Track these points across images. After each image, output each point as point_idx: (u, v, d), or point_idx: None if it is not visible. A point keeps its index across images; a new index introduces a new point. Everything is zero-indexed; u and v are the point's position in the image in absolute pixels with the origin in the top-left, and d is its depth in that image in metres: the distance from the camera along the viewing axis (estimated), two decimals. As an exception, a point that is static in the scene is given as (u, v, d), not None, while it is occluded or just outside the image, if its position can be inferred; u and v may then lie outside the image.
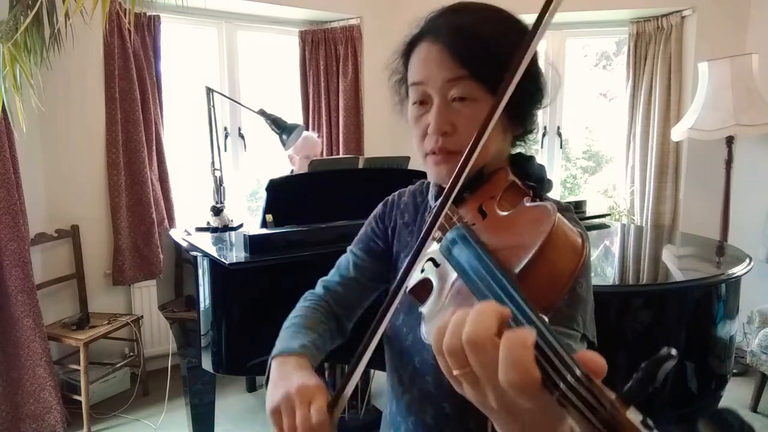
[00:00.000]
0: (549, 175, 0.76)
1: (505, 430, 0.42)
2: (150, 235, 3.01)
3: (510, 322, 0.40)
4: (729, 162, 3.13)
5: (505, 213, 0.59)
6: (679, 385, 1.60)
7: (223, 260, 1.65)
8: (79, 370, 2.53)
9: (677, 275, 1.91)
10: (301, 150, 2.78)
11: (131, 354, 3.00)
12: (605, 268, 1.99)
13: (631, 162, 3.64)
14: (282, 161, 3.09)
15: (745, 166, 3.22)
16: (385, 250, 0.89)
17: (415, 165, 2.44)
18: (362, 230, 0.94)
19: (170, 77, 3.19)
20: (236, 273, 1.67)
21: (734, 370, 2.94)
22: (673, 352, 0.32)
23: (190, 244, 1.88)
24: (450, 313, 0.42)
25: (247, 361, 1.77)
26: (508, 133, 0.75)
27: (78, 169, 2.87)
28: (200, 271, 1.73)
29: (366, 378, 2.65)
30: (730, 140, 3.09)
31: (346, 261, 0.93)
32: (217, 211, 2.37)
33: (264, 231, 1.90)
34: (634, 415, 0.32)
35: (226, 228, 2.36)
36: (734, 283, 1.71)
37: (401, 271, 0.59)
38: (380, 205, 0.94)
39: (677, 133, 3.21)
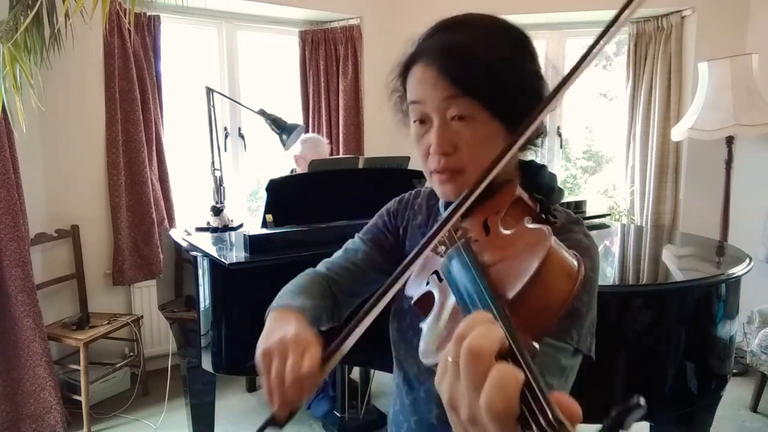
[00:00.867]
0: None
1: None
2: (150, 235, 3.01)
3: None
4: (729, 162, 3.13)
5: (507, 231, 0.60)
6: (679, 385, 1.59)
7: (223, 260, 1.65)
8: (79, 370, 2.53)
9: (677, 275, 1.91)
10: (308, 153, 2.78)
11: (131, 354, 3.00)
12: (605, 268, 1.99)
13: (631, 162, 3.64)
14: (282, 161, 3.09)
15: (745, 166, 3.22)
16: (393, 246, 0.89)
17: (415, 165, 2.44)
18: (373, 220, 0.93)
19: (170, 77, 3.19)
20: (236, 273, 1.68)
21: (734, 370, 2.94)
22: (642, 401, 0.33)
23: (190, 244, 1.88)
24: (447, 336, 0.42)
25: (247, 361, 1.76)
26: None
27: (78, 169, 2.87)
28: (200, 271, 1.73)
29: (366, 378, 2.65)
30: (730, 140, 3.09)
31: (354, 247, 0.92)
32: (217, 211, 2.37)
33: (264, 231, 1.90)
34: None
35: (226, 228, 2.35)
36: (734, 283, 1.71)
37: (402, 266, 0.59)
38: (395, 201, 0.94)
39: (677, 133, 3.21)
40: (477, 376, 0.38)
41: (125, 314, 2.93)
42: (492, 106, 0.68)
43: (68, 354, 2.77)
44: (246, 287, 1.71)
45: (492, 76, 0.66)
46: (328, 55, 3.63)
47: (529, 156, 0.79)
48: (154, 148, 3.05)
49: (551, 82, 0.74)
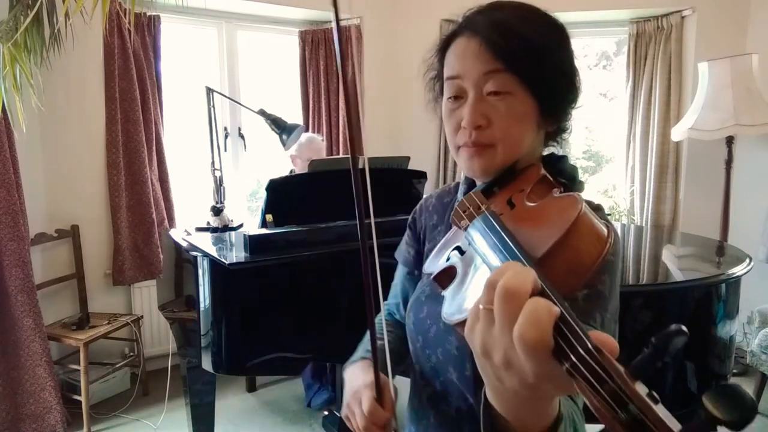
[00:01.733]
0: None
1: (493, 391, 0.44)
2: (150, 235, 3.01)
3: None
4: (729, 162, 3.13)
5: (533, 204, 0.60)
6: (679, 385, 1.59)
7: (223, 260, 1.65)
8: (79, 370, 2.53)
9: (677, 275, 1.91)
10: (304, 152, 2.78)
11: (131, 354, 3.00)
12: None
13: (631, 162, 3.64)
14: (282, 161, 3.09)
15: (745, 166, 3.22)
16: (419, 251, 0.93)
17: (415, 165, 2.44)
18: (400, 245, 0.98)
19: (170, 77, 3.19)
20: (236, 273, 1.68)
21: (734, 370, 2.95)
22: (684, 328, 0.33)
23: (190, 244, 1.88)
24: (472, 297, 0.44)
25: (247, 361, 1.77)
26: (541, 130, 0.75)
27: (78, 169, 2.87)
28: (200, 271, 1.73)
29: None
30: (730, 140, 3.09)
31: (396, 282, 1.00)
32: (217, 211, 2.37)
33: (264, 231, 1.90)
34: (641, 388, 0.33)
35: (226, 228, 2.36)
36: (734, 283, 1.71)
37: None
38: (411, 215, 0.97)
39: (677, 133, 3.21)
40: (512, 313, 0.38)
41: (125, 314, 2.93)
42: (530, 83, 0.69)
43: (68, 354, 2.77)
44: (246, 287, 1.71)
45: (534, 54, 0.68)
46: (328, 55, 3.63)
47: (548, 150, 0.80)
48: (154, 148, 3.05)
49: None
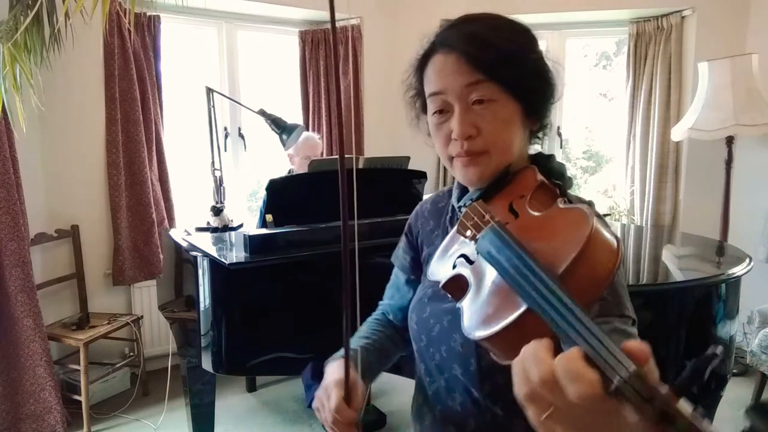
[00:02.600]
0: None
1: None
2: (150, 235, 3.01)
3: (555, 331, 0.44)
4: (729, 162, 3.13)
5: (538, 214, 0.62)
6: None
7: (223, 260, 1.65)
8: (79, 370, 2.53)
9: (677, 275, 1.91)
10: (301, 150, 2.78)
11: (131, 354, 3.00)
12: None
13: (631, 162, 3.64)
14: (282, 161, 3.09)
15: (745, 166, 3.22)
16: (415, 258, 0.94)
17: (415, 165, 2.44)
18: (397, 249, 1.00)
19: (170, 77, 3.19)
20: (236, 273, 1.68)
21: (734, 370, 2.94)
22: (719, 351, 0.36)
23: (190, 244, 1.88)
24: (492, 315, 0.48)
25: (247, 361, 1.77)
26: (526, 130, 0.78)
27: (78, 169, 2.87)
28: (200, 271, 1.73)
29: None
30: (730, 140, 3.09)
31: (390, 284, 1.01)
32: (217, 211, 2.37)
33: (264, 231, 1.90)
34: (685, 406, 0.36)
35: (226, 228, 2.36)
36: (734, 283, 1.71)
37: None
38: (408, 220, 0.99)
39: (677, 133, 3.21)
40: (559, 392, 0.41)
41: (125, 314, 2.93)
42: (511, 88, 0.72)
43: (68, 354, 2.77)
44: (246, 287, 1.71)
45: (511, 61, 0.71)
46: (328, 55, 3.63)
47: (533, 149, 0.83)
48: (154, 148, 3.05)
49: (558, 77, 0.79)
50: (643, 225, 3.53)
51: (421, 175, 2.32)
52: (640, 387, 0.36)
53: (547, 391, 0.42)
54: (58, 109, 2.75)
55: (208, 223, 2.38)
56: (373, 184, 2.19)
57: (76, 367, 2.57)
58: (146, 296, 3.08)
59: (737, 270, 1.71)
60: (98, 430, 2.61)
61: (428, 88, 0.77)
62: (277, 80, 3.85)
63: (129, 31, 2.84)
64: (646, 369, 0.38)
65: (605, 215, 2.80)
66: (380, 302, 1.03)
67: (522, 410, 0.45)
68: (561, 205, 0.60)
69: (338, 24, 3.63)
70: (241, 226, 2.44)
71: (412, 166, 2.44)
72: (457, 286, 0.62)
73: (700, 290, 1.63)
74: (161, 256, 3.00)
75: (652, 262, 2.14)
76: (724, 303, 1.67)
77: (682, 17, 3.40)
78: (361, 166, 2.43)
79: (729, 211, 3.15)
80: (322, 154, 3.17)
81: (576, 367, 0.40)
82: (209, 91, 2.39)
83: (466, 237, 0.64)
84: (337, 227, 1.92)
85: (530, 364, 0.43)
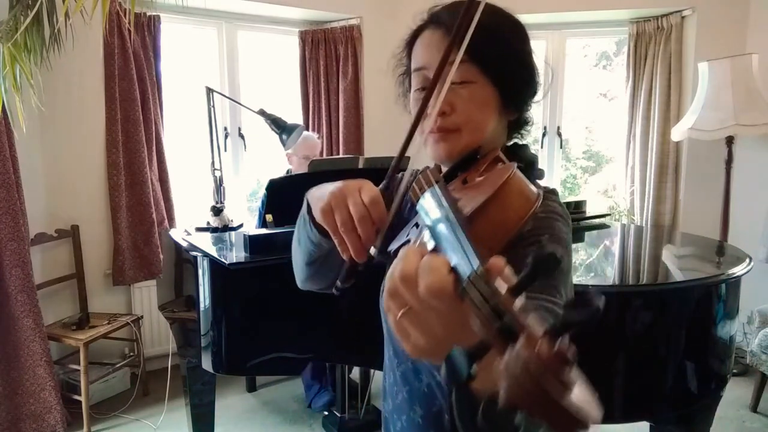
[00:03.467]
0: (550, 177, 0.78)
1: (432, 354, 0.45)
2: (150, 235, 3.01)
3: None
4: (729, 162, 3.13)
5: (481, 178, 0.65)
6: (679, 385, 1.59)
7: (223, 260, 1.65)
8: (79, 370, 2.53)
9: (677, 275, 1.91)
10: (300, 150, 2.78)
11: (131, 354, 3.00)
12: (605, 268, 1.99)
13: (631, 162, 3.64)
14: (282, 161, 3.09)
15: (745, 166, 3.22)
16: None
17: (414, 165, 2.44)
18: None
19: (170, 77, 3.19)
20: (236, 273, 1.68)
21: (734, 370, 2.94)
22: (557, 254, 0.36)
23: (190, 244, 1.88)
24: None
25: (247, 361, 1.77)
26: (502, 118, 0.79)
27: (78, 169, 2.87)
28: (200, 271, 1.73)
29: (366, 378, 2.65)
30: (730, 140, 3.09)
31: None
32: (217, 211, 2.38)
33: (264, 231, 1.90)
34: (519, 302, 0.36)
35: (226, 228, 2.36)
36: (734, 283, 1.71)
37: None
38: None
39: (677, 133, 3.21)
40: (415, 290, 0.42)
41: (125, 314, 2.93)
42: (491, 72, 0.73)
43: (68, 354, 2.77)
44: (246, 287, 1.71)
45: (495, 44, 0.72)
46: (328, 55, 3.63)
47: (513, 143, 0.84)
48: (154, 148, 3.05)
49: (545, 77, 0.81)
50: (643, 225, 3.53)
51: (421, 175, 2.32)
52: (482, 287, 0.37)
53: (404, 286, 0.43)
54: (58, 109, 2.75)
55: (208, 223, 2.38)
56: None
57: (76, 367, 2.57)
58: (146, 296, 3.08)
59: (737, 270, 1.71)
60: (98, 430, 2.62)
61: (413, 63, 0.78)
62: (277, 80, 3.85)
63: (129, 31, 2.84)
64: (500, 278, 0.38)
65: (605, 215, 2.81)
66: None
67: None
68: (499, 166, 0.64)
69: (338, 24, 3.64)
70: (241, 226, 2.45)
71: (411, 166, 2.44)
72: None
73: (700, 290, 1.63)
74: (161, 256, 3.00)
75: (652, 262, 2.14)
76: (724, 303, 1.67)
77: (682, 17, 3.41)
78: (361, 166, 2.43)
79: (729, 211, 3.15)
80: (321, 153, 3.17)
81: (433, 262, 0.41)
82: (209, 91, 2.39)
83: (416, 202, 0.66)
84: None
85: (398, 261, 0.44)
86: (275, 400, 2.94)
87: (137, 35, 2.93)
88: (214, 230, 2.32)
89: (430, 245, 0.50)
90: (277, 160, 3.53)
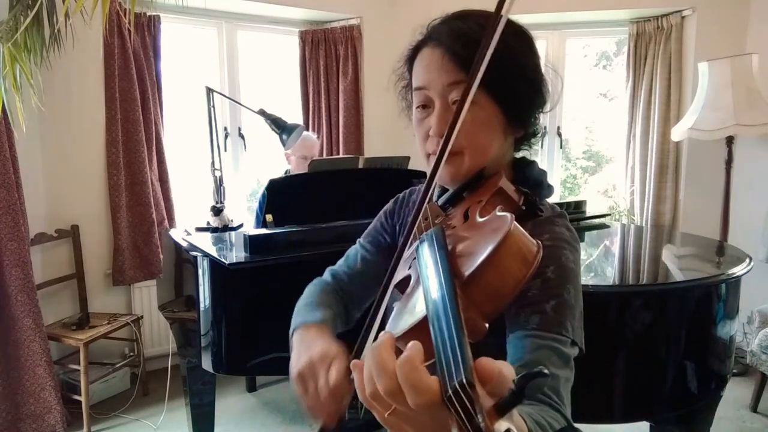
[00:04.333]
0: (550, 177, 0.77)
1: None
2: (150, 235, 3.01)
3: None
4: (729, 162, 3.13)
5: (482, 219, 0.62)
6: (679, 385, 1.59)
7: (223, 260, 1.65)
8: (79, 370, 2.53)
9: (677, 275, 1.91)
10: (298, 150, 2.78)
11: (131, 354, 3.00)
12: (605, 268, 1.99)
13: (631, 162, 3.64)
14: (282, 161, 3.09)
15: (745, 166, 3.22)
16: (391, 245, 0.91)
17: (415, 165, 2.44)
18: (372, 224, 0.96)
19: (170, 77, 3.19)
20: (236, 273, 1.67)
21: (734, 370, 2.94)
22: (546, 371, 0.34)
23: (190, 244, 1.88)
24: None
25: (247, 361, 1.77)
26: (508, 136, 0.76)
27: (78, 169, 2.87)
28: (200, 271, 1.73)
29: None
30: (730, 140, 3.09)
31: (354, 253, 0.95)
32: (217, 211, 2.37)
33: (264, 231, 1.90)
34: (500, 426, 0.34)
35: (226, 228, 2.36)
36: (734, 283, 1.71)
37: (395, 256, 0.62)
38: (391, 202, 0.96)
39: (677, 133, 3.21)
40: (402, 399, 0.39)
41: (125, 314, 2.93)
42: (494, 92, 0.70)
43: (68, 354, 2.77)
44: (246, 287, 1.71)
45: (496, 62, 0.66)
46: (328, 55, 3.63)
47: (521, 154, 0.82)
48: (154, 148, 3.05)
49: (553, 86, 0.77)
50: (643, 225, 3.53)
51: (421, 175, 2.32)
52: (466, 404, 0.35)
53: (390, 399, 0.41)
54: (58, 109, 2.75)
55: (208, 223, 2.38)
56: (373, 184, 2.19)
57: (76, 367, 2.57)
58: (146, 296, 3.08)
59: (737, 270, 1.71)
60: (98, 430, 2.61)
61: (414, 82, 0.77)
62: (277, 80, 3.85)
63: (129, 31, 2.84)
64: (486, 388, 0.36)
65: (605, 215, 2.81)
66: (332, 269, 0.98)
67: None
68: (497, 213, 0.60)
69: (338, 24, 3.64)
70: (241, 226, 2.44)
71: (412, 166, 2.45)
72: (404, 286, 0.62)
73: (700, 290, 1.63)
74: (161, 256, 3.00)
75: (652, 262, 2.14)
76: (724, 303, 1.67)
77: (682, 17, 3.41)
78: (361, 166, 2.43)
79: (729, 211, 3.15)
80: (321, 153, 3.17)
81: (416, 379, 0.38)
82: (209, 91, 2.39)
83: (419, 237, 0.64)
84: (336, 227, 1.93)
85: (376, 372, 0.41)
86: (275, 400, 2.94)
87: (137, 35, 2.93)
88: (214, 230, 2.32)
89: (420, 314, 0.48)
90: (276, 160, 3.53)
